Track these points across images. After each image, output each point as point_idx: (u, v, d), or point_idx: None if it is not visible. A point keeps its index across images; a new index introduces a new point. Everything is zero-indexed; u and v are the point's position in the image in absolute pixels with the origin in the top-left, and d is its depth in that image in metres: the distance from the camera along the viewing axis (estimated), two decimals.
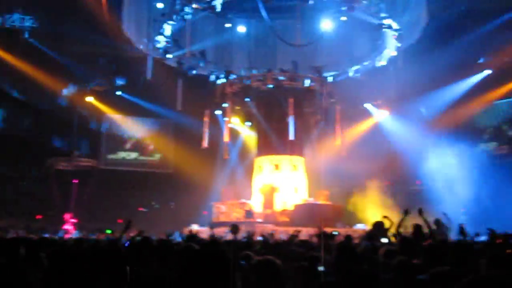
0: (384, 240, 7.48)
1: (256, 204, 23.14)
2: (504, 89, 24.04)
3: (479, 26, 22.13)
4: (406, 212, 8.04)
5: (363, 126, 27.19)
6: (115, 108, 27.67)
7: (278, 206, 22.68)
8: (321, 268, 4.02)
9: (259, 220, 21.72)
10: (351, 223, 21.70)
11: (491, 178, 23.20)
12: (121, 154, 29.59)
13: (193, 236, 10.08)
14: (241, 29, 26.08)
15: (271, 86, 23.71)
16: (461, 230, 6.05)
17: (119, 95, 26.90)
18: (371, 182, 23.09)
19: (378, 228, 9.64)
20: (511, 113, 25.10)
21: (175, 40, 23.58)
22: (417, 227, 8.34)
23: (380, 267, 4.61)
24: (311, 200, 23.01)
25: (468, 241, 6.56)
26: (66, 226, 23.12)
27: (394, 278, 4.04)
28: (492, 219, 17.23)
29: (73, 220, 23.36)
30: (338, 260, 4.44)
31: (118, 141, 29.69)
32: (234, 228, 8.54)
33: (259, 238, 12.27)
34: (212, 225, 16.19)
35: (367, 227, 16.17)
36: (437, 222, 11.48)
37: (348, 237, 8.83)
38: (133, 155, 29.74)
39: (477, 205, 22.19)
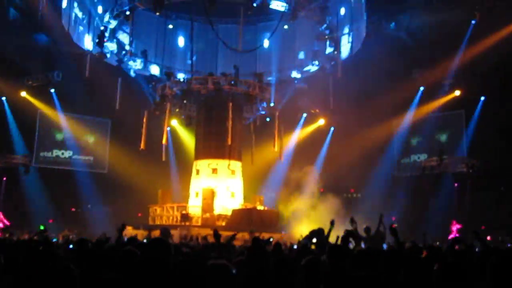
0: (314, 240, 7.64)
1: (193, 207, 23.02)
2: (435, 104, 25.01)
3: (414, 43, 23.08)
4: (332, 223, 8.19)
5: (301, 134, 27.62)
6: (50, 105, 26.75)
7: (216, 210, 22.63)
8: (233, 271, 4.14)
9: (196, 223, 21.69)
10: (286, 228, 21.95)
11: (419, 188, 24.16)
12: (55, 152, 28.65)
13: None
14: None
15: (211, 89, 23.66)
16: (393, 231, 6.23)
17: (55, 91, 26.03)
18: (307, 188, 23.41)
19: (317, 234, 9.83)
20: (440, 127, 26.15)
21: (117, 39, 23.17)
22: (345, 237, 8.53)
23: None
24: (248, 204, 23.15)
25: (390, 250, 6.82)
26: None
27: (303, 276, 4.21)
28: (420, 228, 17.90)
29: (4, 220, 22.39)
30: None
31: (52, 138, 28.72)
32: (165, 232, 8.47)
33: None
34: (147, 227, 15.99)
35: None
36: (367, 229, 11.79)
37: (277, 244, 8.91)
38: (68, 153, 28.85)
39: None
